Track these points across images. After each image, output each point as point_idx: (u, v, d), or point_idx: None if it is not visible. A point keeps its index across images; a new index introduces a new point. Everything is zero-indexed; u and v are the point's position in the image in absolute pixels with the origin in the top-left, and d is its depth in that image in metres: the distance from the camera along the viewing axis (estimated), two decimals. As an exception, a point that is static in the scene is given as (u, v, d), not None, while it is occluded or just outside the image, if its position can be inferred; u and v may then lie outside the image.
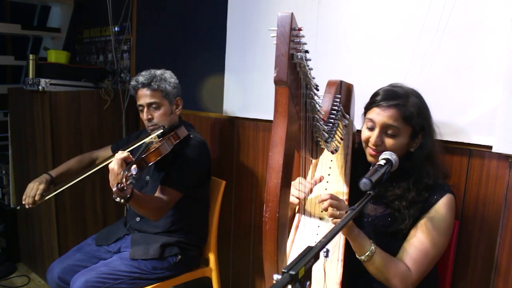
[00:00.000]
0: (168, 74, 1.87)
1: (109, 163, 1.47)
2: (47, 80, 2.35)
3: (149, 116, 1.81)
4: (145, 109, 1.81)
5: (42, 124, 2.42)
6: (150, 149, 1.52)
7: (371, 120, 1.25)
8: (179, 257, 1.80)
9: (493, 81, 1.33)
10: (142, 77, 1.82)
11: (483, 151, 1.39)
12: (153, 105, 1.81)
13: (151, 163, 1.48)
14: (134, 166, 1.36)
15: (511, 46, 1.27)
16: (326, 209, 1.14)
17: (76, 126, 2.49)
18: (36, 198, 1.77)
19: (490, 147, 1.34)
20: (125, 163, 1.44)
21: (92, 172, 1.75)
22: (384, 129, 1.24)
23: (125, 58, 2.84)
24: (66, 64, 2.65)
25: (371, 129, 1.26)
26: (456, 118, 1.42)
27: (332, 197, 1.14)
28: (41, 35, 3.33)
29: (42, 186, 1.80)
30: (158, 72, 1.85)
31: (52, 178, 1.87)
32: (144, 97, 1.81)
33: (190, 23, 2.40)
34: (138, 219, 1.89)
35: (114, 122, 2.68)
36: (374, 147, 1.25)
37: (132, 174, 1.34)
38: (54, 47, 3.25)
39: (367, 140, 1.28)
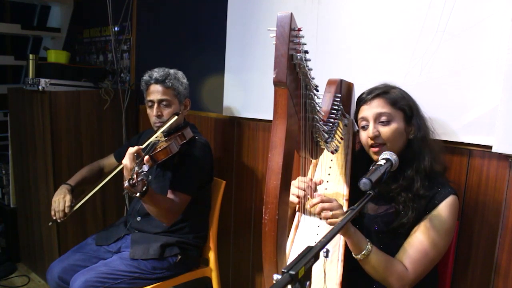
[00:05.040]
0: (180, 75, 1.90)
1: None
2: (47, 80, 2.35)
3: (159, 113, 1.82)
4: (155, 105, 1.82)
5: (42, 124, 2.42)
6: (159, 147, 1.54)
7: (364, 118, 1.29)
8: (179, 257, 1.80)
9: (493, 81, 1.32)
10: (156, 73, 1.83)
11: (483, 151, 1.38)
12: (164, 102, 1.82)
13: (160, 161, 1.51)
14: (145, 163, 1.41)
15: (511, 46, 1.26)
16: (319, 214, 1.14)
17: (76, 126, 2.49)
18: (66, 210, 1.79)
19: (490, 147, 1.33)
20: (137, 158, 1.47)
21: (108, 180, 1.81)
22: (377, 119, 1.26)
23: (125, 58, 2.84)
24: (66, 64, 2.65)
25: (366, 127, 1.28)
26: (456, 118, 1.41)
27: (323, 199, 1.14)
28: (41, 35, 3.33)
29: (68, 197, 1.81)
30: (172, 71, 1.86)
31: (72, 187, 1.88)
32: (156, 93, 1.82)
33: (190, 23, 2.40)
34: (139, 218, 1.89)
35: (114, 122, 2.68)
36: (373, 141, 1.26)
37: (143, 171, 1.38)
38: (54, 47, 3.25)
39: (367, 141, 1.28)
